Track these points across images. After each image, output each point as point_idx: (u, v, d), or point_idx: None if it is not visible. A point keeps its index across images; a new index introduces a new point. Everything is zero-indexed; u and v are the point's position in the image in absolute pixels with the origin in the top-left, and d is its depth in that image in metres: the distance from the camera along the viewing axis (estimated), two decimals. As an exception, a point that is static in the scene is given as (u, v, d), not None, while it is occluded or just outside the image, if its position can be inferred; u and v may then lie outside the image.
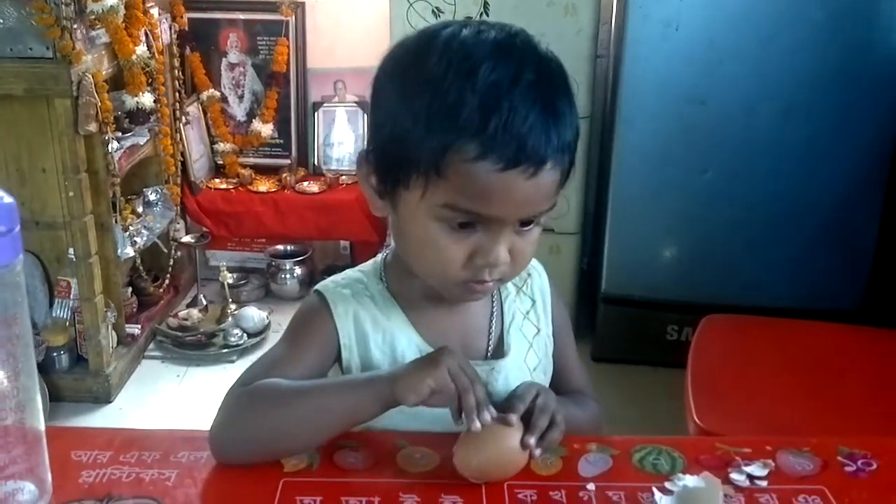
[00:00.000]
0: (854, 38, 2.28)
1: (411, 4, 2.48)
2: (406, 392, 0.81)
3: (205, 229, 3.00)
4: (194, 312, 2.83)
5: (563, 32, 2.38)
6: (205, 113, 3.09)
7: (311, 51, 3.07)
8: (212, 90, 3.06)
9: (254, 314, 2.80)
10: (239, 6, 3.03)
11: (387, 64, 0.87)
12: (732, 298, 2.36)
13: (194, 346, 2.71)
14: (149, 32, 2.58)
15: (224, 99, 3.10)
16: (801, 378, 1.73)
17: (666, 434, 0.96)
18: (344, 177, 3.05)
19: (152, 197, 2.73)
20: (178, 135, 2.85)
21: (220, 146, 3.10)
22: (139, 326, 2.66)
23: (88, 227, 2.31)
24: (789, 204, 2.42)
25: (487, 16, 2.42)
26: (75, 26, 2.17)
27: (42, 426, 0.79)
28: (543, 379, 1.02)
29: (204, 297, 2.94)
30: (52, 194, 2.29)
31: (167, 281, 2.85)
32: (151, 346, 2.74)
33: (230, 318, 2.80)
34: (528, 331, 1.01)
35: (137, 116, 2.55)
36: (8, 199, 0.74)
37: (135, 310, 2.71)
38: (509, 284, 1.00)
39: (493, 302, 1.00)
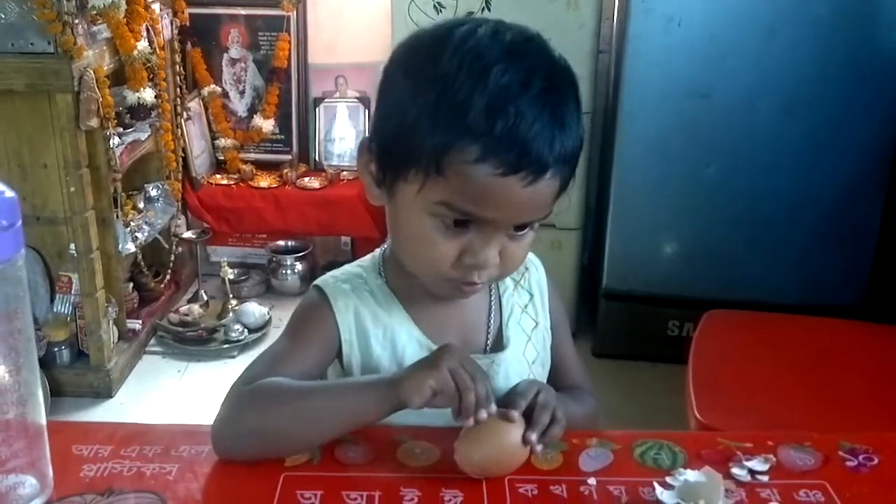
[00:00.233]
0: (856, 32, 2.28)
1: (413, 0, 2.48)
2: (409, 394, 0.81)
3: (206, 225, 3.01)
4: (195, 308, 2.83)
5: (566, 27, 2.38)
6: (206, 108, 3.09)
7: (313, 46, 3.07)
8: (213, 86, 3.06)
9: (254, 310, 2.80)
10: (240, 1, 3.03)
11: (400, 54, 0.86)
12: (734, 294, 2.36)
13: (195, 342, 2.71)
14: (150, 28, 2.58)
15: (225, 94, 3.10)
16: (803, 374, 1.73)
17: (666, 429, 0.96)
18: (345, 172, 3.04)
19: (153, 193, 2.73)
20: (179, 130, 2.85)
21: (221, 142, 3.10)
22: (140, 322, 2.66)
23: (90, 222, 2.31)
24: (791, 199, 2.42)
25: (489, 11, 2.42)
26: (77, 21, 2.17)
27: (43, 420, 0.79)
28: (542, 372, 1.02)
29: (205, 292, 2.94)
30: (53, 189, 2.29)
31: (168, 276, 2.85)
32: (152, 341, 2.75)
33: (231, 314, 2.80)
34: (526, 324, 1.01)
35: (139, 112, 2.55)
36: (9, 194, 0.74)
37: (136, 305, 2.71)
38: (507, 279, 1.00)
39: (491, 296, 1.00)
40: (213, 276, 3.00)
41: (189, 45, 3.00)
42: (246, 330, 2.74)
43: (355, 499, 0.80)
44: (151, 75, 2.57)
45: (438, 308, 0.95)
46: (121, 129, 2.46)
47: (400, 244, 0.91)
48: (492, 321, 0.99)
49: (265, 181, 3.03)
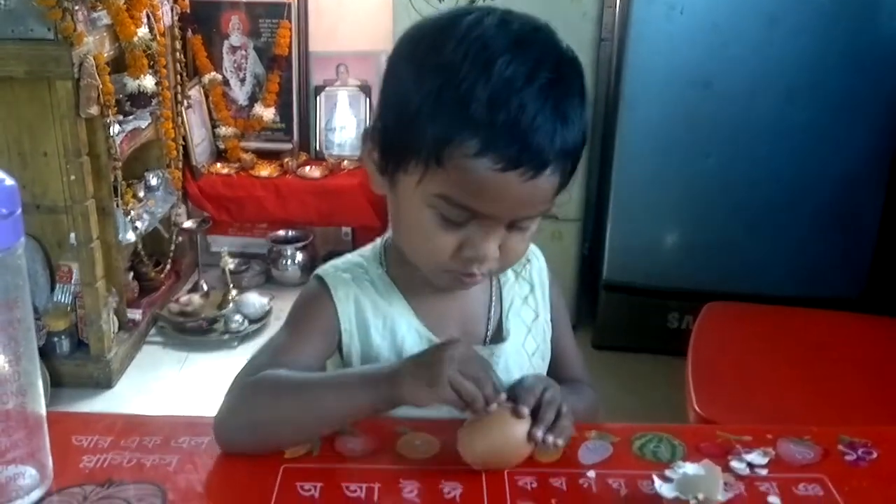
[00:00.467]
0: (858, 21, 2.28)
1: (415, -12, 2.47)
2: (410, 400, 0.81)
3: (206, 214, 3.00)
4: (195, 298, 2.83)
5: (568, 15, 2.37)
6: (206, 96, 3.08)
7: (314, 34, 3.06)
8: (213, 73, 3.05)
9: (255, 300, 2.80)
10: (241, -11, 3.02)
11: (404, 43, 0.85)
12: (734, 286, 2.36)
13: (195, 332, 2.71)
14: (150, 14, 2.57)
15: (226, 82, 3.09)
16: (802, 366, 1.73)
17: (666, 422, 0.96)
18: (346, 162, 3.04)
19: (154, 181, 2.73)
20: (179, 118, 2.85)
21: (222, 130, 3.09)
22: (140, 312, 2.66)
23: (90, 211, 2.31)
24: (791, 190, 2.42)
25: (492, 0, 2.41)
26: (76, 8, 2.16)
27: (43, 411, 0.79)
28: (542, 364, 1.02)
29: (205, 282, 2.94)
30: (53, 178, 2.28)
31: (168, 266, 2.85)
32: (153, 331, 2.75)
33: (231, 304, 2.80)
34: (526, 316, 1.01)
35: (139, 99, 2.55)
36: (9, 182, 0.74)
37: (136, 295, 2.71)
38: (508, 270, 1.00)
39: (491, 287, 1.00)
40: (214, 266, 3.00)
41: (189, 33, 2.99)
42: (246, 320, 2.74)
43: (355, 491, 0.81)
44: (152, 62, 2.56)
45: (439, 299, 0.95)
46: (121, 117, 2.46)
47: (401, 234, 0.90)
48: (492, 312, 0.99)
49: (266, 170, 3.03)
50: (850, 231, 2.46)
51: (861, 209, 2.45)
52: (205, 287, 2.91)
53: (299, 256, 3.06)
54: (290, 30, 3.01)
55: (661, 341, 2.54)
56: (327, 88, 3.08)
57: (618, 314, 2.63)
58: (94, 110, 2.24)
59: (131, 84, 2.49)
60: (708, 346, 1.76)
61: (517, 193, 0.79)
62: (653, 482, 0.81)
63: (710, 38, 2.32)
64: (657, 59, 2.37)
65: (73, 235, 2.32)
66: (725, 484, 0.81)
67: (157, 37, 2.59)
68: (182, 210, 2.94)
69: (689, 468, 0.81)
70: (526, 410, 0.84)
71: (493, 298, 1.00)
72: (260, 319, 2.77)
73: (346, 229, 3.16)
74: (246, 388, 0.86)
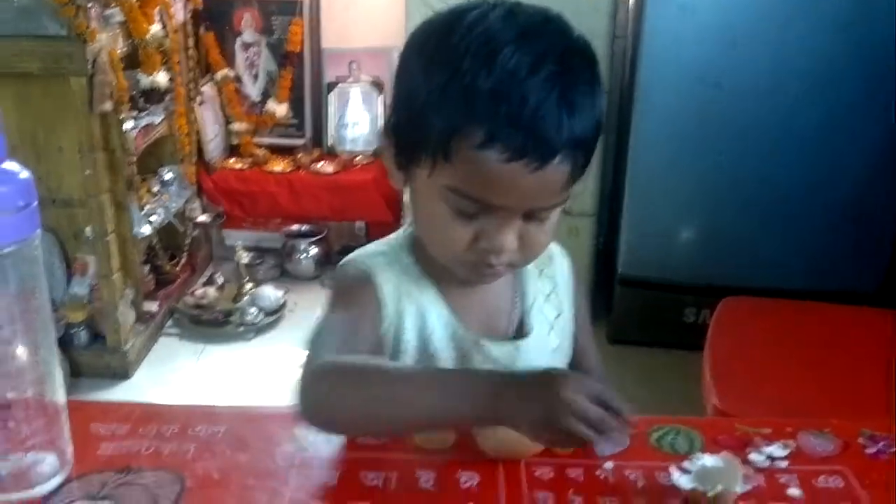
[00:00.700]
0: (872, 21, 2.25)
1: (428, -18, 2.46)
2: (513, 422, 0.75)
3: (220, 209, 3.01)
4: (211, 291, 2.84)
5: (581, 11, 2.32)
6: (219, 93, 3.09)
7: (326, 30, 3.06)
8: (226, 70, 3.06)
9: (270, 293, 2.81)
10: (254, -16, 3.03)
11: (414, 37, 0.85)
12: (750, 281, 2.34)
13: (211, 325, 2.72)
14: (163, 11, 2.58)
15: (238, 79, 3.10)
16: (819, 361, 1.72)
17: (681, 416, 0.95)
18: (359, 157, 3.04)
19: (168, 176, 2.74)
20: (192, 114, 2.85)
21: (235, 126, 3.10)
22: (157, 304, 2.68)
23: (105, 205, 2.33)
24: (808, 186, 2.40)
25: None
26: (90, 4, 2.17)
27: (62, 399, 0.80)
28: (562, 361, 1.01)
29: (220, 276, 2.95)
30: (68, 172, 2.30)
31: (184, 260, 2.86)
32: (169, 323, 2.76)
33: (247, 297, 2.81)
34: (549, 313, 1.00)
35: (152, 96, 2.56)
36: (24, 175, 0.74)
37: (152, 288, 2.72)
38: (531, 266, 1.00)
39: (515, 282, 0.99)
40: (228, 259, 3.01)
41: (202, 29, 2.99)
42: (262, 313, 2.75)
43: (372, 479, 0.81)
44: (165, 59, 2.57)
45: (465, 291, 0.94)
46: (135, 113, 2.47)
47: (419, 227, 0.90)
48: (515, 307, 0.99)
49: (279, 166, 3.03)
50: (866, 226, 2.45)
51: (878, 203, 2.43)
52: (220, 280, 2.92)
53: (313, 251, 3.07)
54: (303, 26, 3.01)
55: (676, 336, 2.53)
56: (340, 85, 3.08)
57: (633, 308, 2.62)
58: (108, 106, 2.24)
59: (145, 80, 2.51)
60: (725, 341, 1.75)
61: (526, 184, 0.78)
62: (670, 474, 0.81)
63: (723, 36, 2.30)
64: (670, 57, 2.36)
65: (88, 229, 2.34)
66: (744, 476, 0.80)
67: (170, 33, 2.60)
68: (196, 205, 2.96)
69: (708, 460, 0.81)
70: None
71: (517, 294, 0.99)
72: (275, 312, 2.78)
73: (360, 224, 3.16)
74: (335, 377, 0.80)
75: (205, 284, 2.93)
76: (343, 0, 3.03)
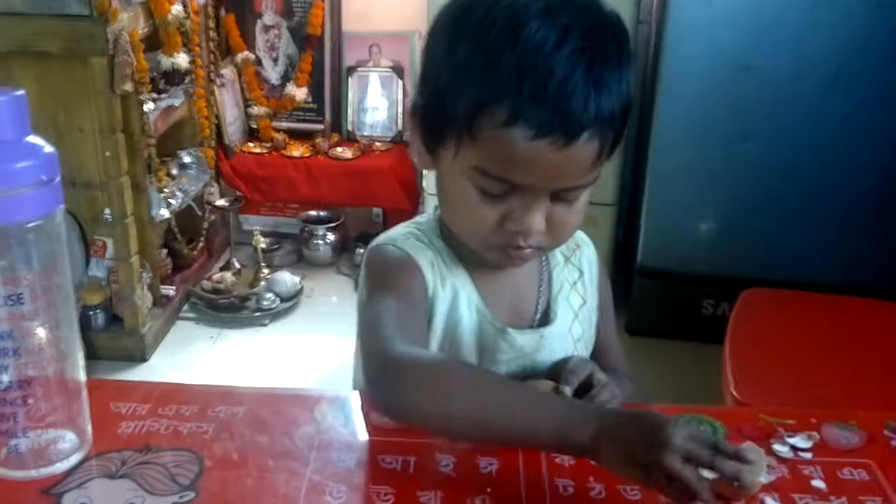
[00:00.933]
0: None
1: (450, -33, 2.44)
2: (607, 464, 0.71)
3: (238, 193, 3.01)
4: (228, 276, 2.84)
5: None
6: (239, 76, 3.09)
7: (347, 14, 3.05)
8: (246, 52, 3.05)
9: (287, 279, 2.81)
10: (275, -33, 3.02)
11: (440, 16, 0.84)
12: (770, 273, 2.32)
13: (228, 309, 2.73)
14: (184, -8, 2.57)
15: (258, 62, 3.09)
16: (842, 354, 1.70)
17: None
18: (378, 143, 3.03)
19: (187, 159, 2.74)
20: (212, 97, 2.85)
21: (254, 110, 3.10)
22: (174, 288, 2.68)
23: (124, 187, 2.33)
24: (833, 176, 2.37)
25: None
26: (112, -16, 2.17)
27: (82, 377, 0.79)
28: (585, 351, 1.01)
29: (237, 260, 2.95)
30: (88, 154, 2.30)
31: (201, 244, 2.87)
32: (185, 307, 2.77)
33: (263, 282, 2.81)
34: (574, 301, 0.99)
35: (173, 77, 2.55)
36: (49, 149, 0.74)
37: (169, 271, 2.73)
38: (558, 254, 0.99)
39: (542, 269, 0.98)
40: (245, 244, 3.02)
41: (223, 11, 2.99)
42: (278, 298, 2.75)
43: (391, 463, 0.80)
44: (185, 41, 2.57)
45: (494, 275, 0.93)
46: (154, 95, 2.46)
47: (445, 209, 0.89)
48: (541, 294, 0.98)
49: (297, 150, 3.03)
50: (891, 219, 2.41)
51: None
52: (237, 265, 2.93)
53: (330, 237, 3.07)
54: (324, 9, 3.00)
55: (694, 328, 2.51)
56: (359, 69, 3.07)
57: (651, 300, 2.60)
58: (129, 87, 2.25)
59: (165, 62, 2.50)
60: (745, 332, 1.74)
61: (552, 162, 0.76)
62: (694, 462, 0.80)
63: (752, 21, 2.27)
64: (696, 42, 2.32)
65: (107, 211, 2.34)
66: (768, 466, 0.79)
67: (191, 15, 2.60)
68: (215, 188, 2.96)
69: (732, 449, 0.80)
70: (569, 391, 0.83)
71: (543, 281, 0.98)
72: (291, 298, 2.78)
73: (377, 210, 3.15)
74: (425, 374, 0.76)
75: (222, 269, 2.94)
76: (364, -17, 3.02)
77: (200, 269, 2.89)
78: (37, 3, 2.14)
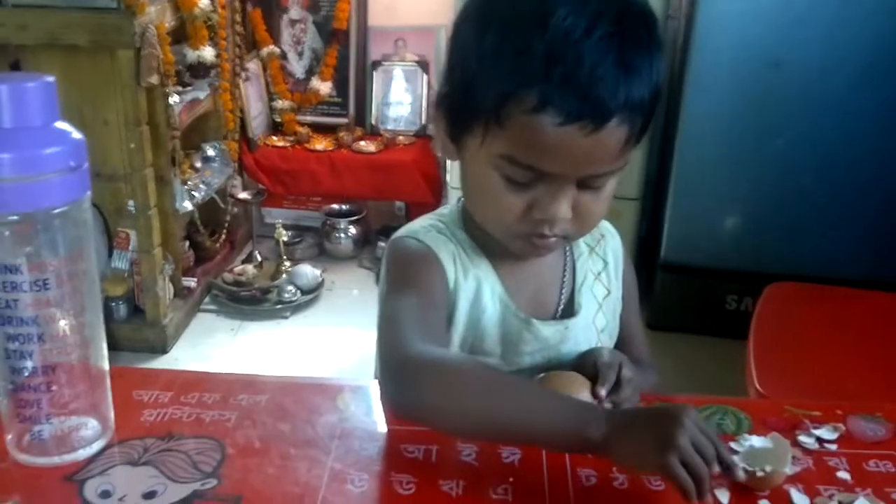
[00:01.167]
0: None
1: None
2: (618, 458, 0.72)
3: (261, 186, 3.02)
4: (249, 268, 2.86)
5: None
6: (264, 69, 3.10)
7: (373, 8, 3.05)
8: (272, 46, 3.06)
9: (308, 272, 2.82)
10: (300, -38, 3.02)
11: (467, 4, 0.83)
12: (795, 269, 2.28)
13: (249, 301, 2.74)
14: (211, -14, 2.58)
15: (284, 56, 3.10)
16: (867, 350, 1.68)
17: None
18: (401, 137, 3.03)
19: (211, 152, 2.75)
20: (237, 91, 2.86)
21: (279, 103, 3.11)
22: (195, 280, 2.70)
23: (148, 179, 2.34)
24: (861, 171, 2.34)
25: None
26: (139, -22, 2.18)
27: (106, 365, 0.80)
28: (609, 342, 1.00)
29: (259, 253, 2.97)
30: (113, 146, 2.31)
31: (223, 236, 2.88)
32: (207, 299, 2.78)
33: (284, 275, 2.82)
34: (598, 292, 0.99)
35: (198, 70, 2.56)
36: (77, 135, 0.74)
37: (191, 264, 2.74)
38: (582, 244, 0.98)
39: (566, 259, 0.98)
40: (268, 237, 3.03)
41: (249, 5, 3.00)
42: (299, 291, 2.76)
43: (413, 452, 0.80)
44: (212, 34, 2.58)
45: (517, 266, 0.93)
46: (180, 88, 2.48)
47: (469, 199, 0.89)
48: (564, 285, 0.97)
49: (321, 144, 3.03)
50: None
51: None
52: (259, 258, 2.94)
53: (352, 230, 3.07)
54: (350, 4, 3.00)
55: (717, 323, 2.50)
56: (384, 63, 3.07)
57: (674, 294, 2.59)
58: (155, 80, 2.26)
59: (191, 55, 2.51)
60: (770, 327, 1.72)
61: (581, 149, 0.76)
62: (717, 454, 0.79)
63: (781, 17, 2.24)
64: (726, 37, 2.30)
65: (131, 203, 2.36)
66: (793, 458, 0.79)
67: (218, 8, 2.61)
68: (238, 181, 2.97)
69: (756, 440, 0.80)
70: (603, 392, 0.83)
71: (567, 272, 0.97)
72: (312, 291, 2.79)
73: (400, 204, 3.15)
74: (439, 373, 0.75)
75: (243, 261, 2.95)
76: (391, -22, 3.02)
77: (222, 262, 2.90)
78: (65, -4, 2.16)
